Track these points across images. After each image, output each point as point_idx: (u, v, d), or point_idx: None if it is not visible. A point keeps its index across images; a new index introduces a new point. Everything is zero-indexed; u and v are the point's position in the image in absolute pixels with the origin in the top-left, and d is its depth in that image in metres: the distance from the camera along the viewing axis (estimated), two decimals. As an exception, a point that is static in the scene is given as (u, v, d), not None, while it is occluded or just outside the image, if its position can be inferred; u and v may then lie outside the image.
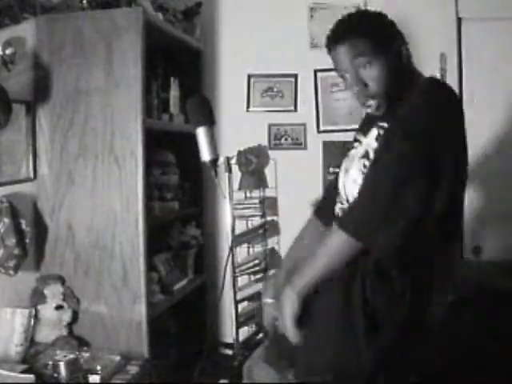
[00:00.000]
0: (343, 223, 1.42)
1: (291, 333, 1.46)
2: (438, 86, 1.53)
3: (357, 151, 1.59)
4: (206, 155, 1.53)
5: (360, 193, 1.44)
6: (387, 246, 1.39)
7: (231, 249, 1.52)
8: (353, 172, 1.56)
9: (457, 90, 2.94)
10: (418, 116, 1.42)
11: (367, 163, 1.50)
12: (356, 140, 1.66)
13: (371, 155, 1.50)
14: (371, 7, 2.97)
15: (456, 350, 1.45)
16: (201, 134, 1.53)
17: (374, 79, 1.48)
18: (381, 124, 1.53)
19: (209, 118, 1.56)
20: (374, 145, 1.51)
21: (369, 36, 1.48)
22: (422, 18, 2.92)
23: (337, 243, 1.42)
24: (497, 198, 2.92)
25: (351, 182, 1.55)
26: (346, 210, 1.51)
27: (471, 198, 2.95)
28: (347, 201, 1.56)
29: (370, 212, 1.41)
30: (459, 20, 2.94)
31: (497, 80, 2.91)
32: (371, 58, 1.47)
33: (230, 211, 1.55)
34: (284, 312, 1.47)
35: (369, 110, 1.54)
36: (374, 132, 1.55)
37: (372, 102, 1.51)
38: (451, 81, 2.94)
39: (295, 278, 1.48)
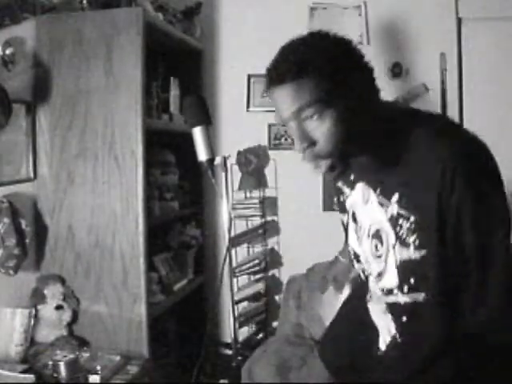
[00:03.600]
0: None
1: None
2: (481, 154, 1.21)
3: (363, 222, 1.36)
4: (202, 155, 1.52)
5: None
6: None
7: (228, 249, 1.51)
8: (365, 247, 1.36)
9: (457, 90, 2.96)
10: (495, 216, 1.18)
11: (379, 245, 1.29)
12: (339, 188, 1.45)
13: (385, 240, 1.27)
14: (371, 7, 2.99)
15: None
16: (197, 133, 1.52)
17: (324, 135, 1.15)
18: (379, 191, 1.28)
19: (205, 117, 1.55)
20: (387, 227, 1.26)
21: (319, 75, 1.12)
22: (422, 18, 2.92)
23: None
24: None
25: (364, 258, 1.39)
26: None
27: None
28: (366, 261, 1.40)
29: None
30: (459, 20, 2.94)
31: (497, 80, 2.91)
32: (322, 108, 1.13)
33: (227, 211, 1.54)
34: None
35: (320, 172, 1.22)
36: (374, 201, 1.30)
37: (323, 163, 1.19)
38: (451, 81, 2.94)
39: None
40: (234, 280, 2.98)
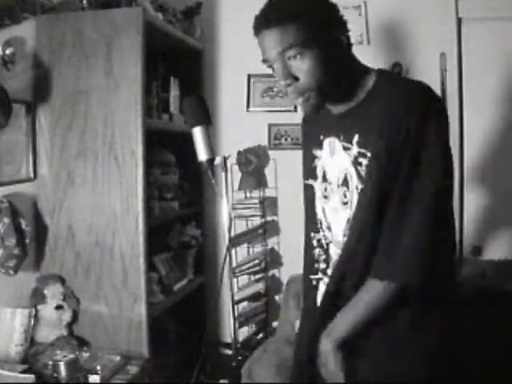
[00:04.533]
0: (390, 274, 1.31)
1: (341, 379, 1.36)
2: (431, 102, 1.33)
3: (332, 175, 1.45)
4: (202, 155, 1.53)
5: (400, 242, 1.30)
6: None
7: (228, 249, 1.51)
8: (333, 200, 1.45)
9: (457, 90, 2.96)
10: (436, 156, 1.29)
11: (347, 192, 1.39)
12: (312, 155, 1.53)
13: (351, 184, 1.38)
14: (371, 7, 2.98)
15: (455, 351, 1.45)
16: (197, 133, 1.52)
17: (305, 72, 1.31)
18: (342, 137, 1.39)
19: (205, 117, 1.55)
20: (351, 169, 1.37)
21: (301, 22, 1.28)
22: (422, 18, 2.92)
23: (382, 293, 1.32)
24: (497, 197, 2.92)
25: (331, 210, 1.46)
26: (384, 258, 1.33)
27: (471, 198, 2.95)
28: (329, 228, 1.48)
29: (418, 256, 1.30)
30: (459, 20, 2.94)
31: (497, 80, 2.91)
32: (303, 49, 1.29)
33: (227, 211, 1.54)
34: (329, 364, 1.37)
35: (298, 104, 1.38)
36: (339, 149, 1.41)
37: (301, 97, 1.35)
38: (451, 81, 2.94)
39: (333, 328, 1.38)
40: (234, 280, 2.99)
